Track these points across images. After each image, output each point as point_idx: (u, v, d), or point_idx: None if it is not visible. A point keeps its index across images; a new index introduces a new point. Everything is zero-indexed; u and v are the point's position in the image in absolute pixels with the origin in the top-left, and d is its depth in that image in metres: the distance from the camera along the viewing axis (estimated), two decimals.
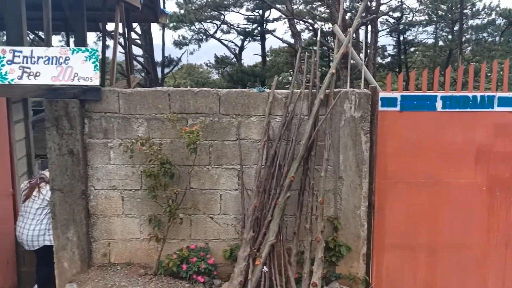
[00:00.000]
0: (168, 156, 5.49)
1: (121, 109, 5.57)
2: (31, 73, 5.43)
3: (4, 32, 18.22)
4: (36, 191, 5.93)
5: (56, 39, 23.16)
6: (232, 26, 28.03)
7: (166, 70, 26.63)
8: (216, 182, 5.71)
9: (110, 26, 15.13)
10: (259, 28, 27.42)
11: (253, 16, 27.57)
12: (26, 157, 8.18)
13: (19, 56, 5.40)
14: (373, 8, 18.72)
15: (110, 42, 22.72)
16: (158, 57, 25.09)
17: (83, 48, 5.47)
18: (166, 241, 5.65)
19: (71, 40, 13.99)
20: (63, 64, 5.43)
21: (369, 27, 21.87)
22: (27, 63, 5.42)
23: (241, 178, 5.66)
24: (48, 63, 5.42)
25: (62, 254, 5.66)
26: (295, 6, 23.83)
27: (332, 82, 5.54)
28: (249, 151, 5.66)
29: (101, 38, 25.13)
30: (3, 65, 5.40)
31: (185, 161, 5.63)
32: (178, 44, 27.40)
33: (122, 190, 5.70)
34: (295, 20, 20.49)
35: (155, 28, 23.55)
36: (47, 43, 5.60)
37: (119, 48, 10.95)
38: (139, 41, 22.13)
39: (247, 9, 27.28)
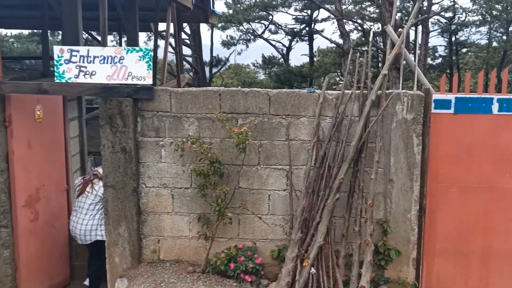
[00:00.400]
0: (217, 155, 5.54)
1: (172, 108, 5.66)
2: (87, 72, 5.57)
3: (59, 32, 18.78)
4: (89, 187, 6.10)
5: (108, 39, 23.78)
6: (280, 26, 28.03)
7: (214, 70, 26.86)
8: (264, 182, 5.73)
9: (160, 26, 15.40)
10: (307, 28, 27.31)
11: (301, 16, 27.50)
12: (79, 154, 8.43)
13: (76, 56, 5.55)
14: (425, 8, 18.37)
15: (160, 42, 23.08)
16: (206, 57, 25.35)
17: (137, 48, 5.58)
18: (214, 240, 5.70)
19: (123, 39, 14.30)
20: (118, 63, 5.56)
21: (420, 27, 21.47)
22: (83, 62, 5.56)
23: (290, 179, 5.66)
24: (104, 63, 5.56)
25: (114, 249, 5.79)
26: (344, 6, 23.64)
27: (384, 83, 5.47)
28: (298, 152, 5.65)
29: (151, 38, 25.55)
30: (61, 64, 5.56)
31: (235, 160, 5.67)
32: (226, 44, 27.61)
33: (172, 188, 5.79)
34: (344, 20, 20.32)
35: (203, 28, 23.78)
36: (103, 43, 5.74)
37: (169, 48, 11.12)
38: (188, 41, 22.41)
39: (296, 9, 27.24)
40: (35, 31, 24.07)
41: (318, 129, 5.51)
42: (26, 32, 25.97)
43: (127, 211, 5.74)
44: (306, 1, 25.71)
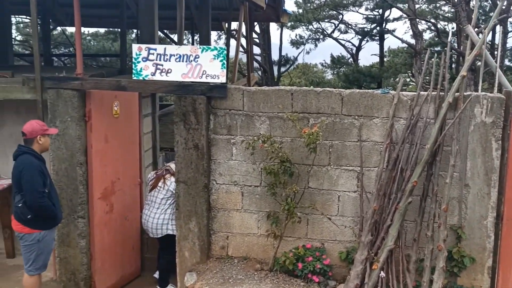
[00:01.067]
0: (288, 155, 5.54)
1: (245, 107, 5.71)
2: (163, 70, 5.72)
3: (133, 30, 19.37)
4: (161, 182, 6.25)
5: (176, 38, 24.27)
6: (350, 26, 27.69)
7: (282, 69, 26.89)
8: (335, 183, 5.68)
9: (232, 25, 15.58)
10: (378, 28, 26.85)
11: (372, 16, 27.05)
12: (151, 150, 8.65)
13: (153, 54, 5.71)
14: (504, 7, 17.62)
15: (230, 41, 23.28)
16: (274, 56, 25.41)
17: (212, 47, 5.67)
18: (283, 239, 5.71)
19: (194, 38, 14.53)
20: (193, 62, 5.67)
21: (498, 27, 20.61)
22: (160, 60, 5.71)
23: (361, 180, 5.58)
24: (179, 61, 5.68)
25: (184, 244, 5.92)
26: (417, 6, 23.06)
27: (462, 85, 5.29)
28: (370, 153, 5.57)
29: (221, 36, 25.88)
30: (138, 62, 5.74)
31: (305, 160, 5.65)
32: (295, 43, 27.55)
33: (242, 185, 5.84)
34: (417, 20, 19.81)
35: (273, 27, 23.85)
36: (179, 42, 5.86)
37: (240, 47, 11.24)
38: (257, 40, 22.54)
39: (367, 9, 26.81)
40: (110, 29, 24.89)
41: (391, 131, 5.40)
42: (102, 30, 26.89)
43: (197, 207, 5.85)
44: (378, 0, 25.26)
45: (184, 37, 24.77)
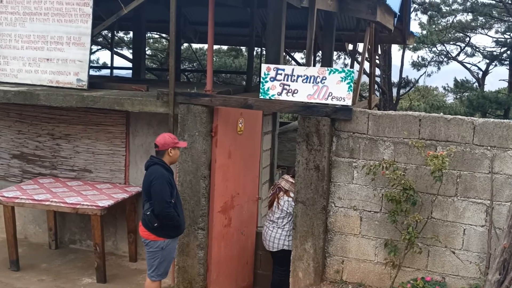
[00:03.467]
0: (411, 182, 5.36)
1: (369, 131, 5.63)
2: (290, 90, 5.80)
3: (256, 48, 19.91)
4: (276, 201, 6.33)
5: (298, 56, 24.48)
6: (477, 49, 26.41)
7: (402, 91, 26.20)
8: (460, 215, 5.41)
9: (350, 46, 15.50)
10: (508, 52, 25.36)
11: (503, 39, 25.60)
12: (269, 167, 8.79)
13: (281, 74, 5.81)
14: None
15: (349, 61, 23.16)
16: (394, 78, 24.83)
17: (340, 69, 5.66)
18: (401, 269, 5.53)
19: (315, 58, 14.58)
20: (319, 83, 5.69)
21: None
22: (287, 80, 5.80)
23: (490, 215, 5.27)
24: (306, 82, 5.73)
25: (298, 264, 5.92)
26: None
27: None
28: (502, 186, 5.24)
29: (340, 56, 25.80)
30: (266, 82, 5.87)
31: (429, 189, 5.45)
32: (417, 65, 26.72)
33: (362, 210, 5.74)
34: None
35: (394, 48, 23.32)
36: (307, 63, 5.93)
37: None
38: (377, 61, 22.20)
39: (497, 31, 25.43)
40: (232, 46, 25.72)
41: None
42: (225, 47, 27.84)
43: (314, 228, 5.83)
44: (510, 23, 23.89)
45: (302, 56, 25.00)
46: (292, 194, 6.21)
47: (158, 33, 21.26)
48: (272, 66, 5.88)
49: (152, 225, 5.48)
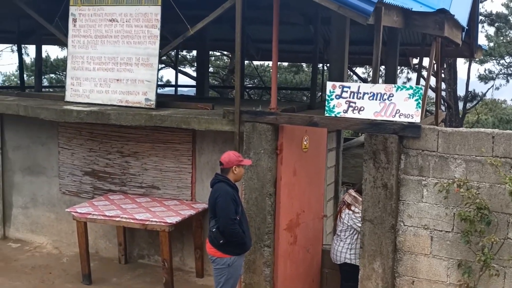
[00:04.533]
0: (486, 202, 5.18)
1: (439, 148, 5.48)
2: (356, 108, 5.75)
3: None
4: (339, 215, 6.28)
5: (359, 71, 24.24)
6: None
7: (468, 105, 25.44)
8: None
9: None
10: None
11: None
12: (334, 184, 8.70)
13: (347, 91, 5.78)
14: None
15: (413, 75, 22.72)
16: (460, 91, 24.15)
17: (408, 86, 5.58)
18: None
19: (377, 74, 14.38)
20: (386, 100, 5.61)
21: None
22: (353, 98, 5.76)
23: None
24: (373, 99, 5.67)
25: (367, 283, 5.80)
26: None
27: None
28: None
29: (403, 70, 25.36)
30: (332, 99, 5.84)
31: (505, 208, 5.23)
32: (484, 78, 25.88)
33: (432, 229, 5.59)
34: None
35: (459, 61, 22.70)
36: (374, 80, 5.86)
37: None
38: (443, 75, 21.66)
39: None
40: (293, 63, 25.78)
41: None
42: (285, 63, 27.95)
43: (383, 247, 5.71)
44: None
45: (364, 71, 24.77)
46: (353, 208, 6.14)
47: (219, 51, 21.58)
48: (337, 83, 5.85)
49: (218, 242, 5.52)
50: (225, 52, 22.34)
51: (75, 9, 7.59)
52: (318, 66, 18.35)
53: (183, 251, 7.68)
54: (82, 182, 8.09)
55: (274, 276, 6.43)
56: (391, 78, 10.94)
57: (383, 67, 11.85)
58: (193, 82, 20.86)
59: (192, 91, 18.86)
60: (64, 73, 21.99)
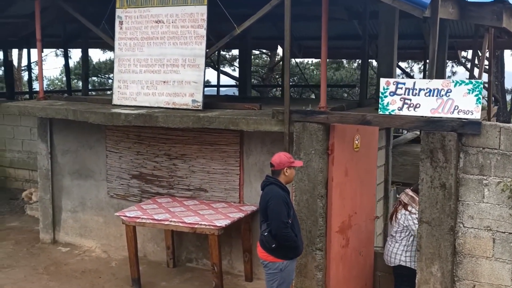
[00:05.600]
0: None
1: (501, 145, 5.22)
2: (411, 105, 5.53)
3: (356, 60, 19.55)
4: (394, 215, 6.05)
5: (402, 65, 23.72)
6: None
7: None
8: None
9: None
10: None
11: None
12: (383, 183, 8.45)
13: (401, 88, 5.56)
14: None
15: (458, 69, 22.10)
16: (507, 84, 23.37)
17: (466, 81, 5.33)
18: None
19: (425, 67, 14.00)
20: (444, 96, 5.38)
21: None
22: (408, 94, 5.54)
23: None
24: (429, 95, 5.44)
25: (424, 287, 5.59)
26: None
27: None
28: None
29: (447, 64, 24.69)
30: (385, 96, 5.64)
31: None
32: None
33: (495, 231, 5.33)
34: None
35: (506, 53, 21.97)
36: (430, 76, 5.62)
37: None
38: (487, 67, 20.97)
39: None
40: (333, 59, 25.44)
41: None
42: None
43: (441, 250, 5.49)
44: None
45: (407, 66, 24.23)
46: (410, 208, 5.91)
47: (259, 49, 21.47)
48: (391, 80, 5.64)
49: (270, 246, 5.39)
50: (264, 50, 22.21)
51: (121, 12, 7.57)
52: (358, 61, 17.93)
53: (231, 254, 7.58)
54: (129, 185, 8.08)
55: (326, 280, 6.26)
56: (440, 73, 10.58)
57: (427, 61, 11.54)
58: (232, 82, 20.83)
59: (230, 91, 18.80)
60: (106, 75, 22.38)
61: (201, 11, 7.09)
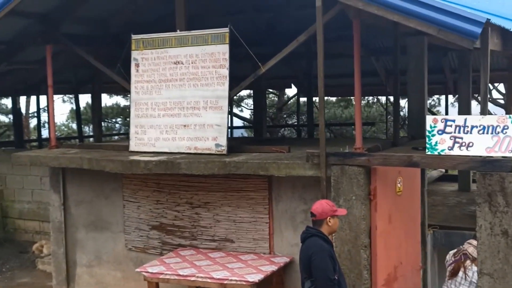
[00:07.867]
0: None
1: None
2: (463, 144, 5.05)
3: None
4: (462, 271, 5.41)
5: (427, 101, 23.26)
6: None
7: None
8: None
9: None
10: None
11: None
12: (420, 226, 7.89)
13: (451, 126, 5.10)
14: None
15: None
16: None
17: None
18: None
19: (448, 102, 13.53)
20: (500, 133, 4.90)
21: None
22: (459, 132, 5.07)
23: None
24: (483, 133, 4.98)
25: None
26: None
27: None
28: None
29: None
30: (433, 135, 5.17)
31: None
32: None
33: None
34: None
35: None
36: (483, 111, 5.17)
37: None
38: None
39: None
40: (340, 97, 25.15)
41: None
42: (333, 98, 27.36)
43: None
44: None
45: (430, 100, 23.68)
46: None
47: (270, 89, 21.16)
48: (439, 117, 5.18)
49: None
50: (270, 90, 21.93)
51: (138, 54, 7.19)
52: (382, 98, 17.47)
53: None
54: (149, 237, 7.53)
55: None
56: (465, 108, 10.18)
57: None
58: (240, 123, 20.43)
59: (238, 132, 18.31)
60: (113, 120, 22.07)
61: (223, 50, 6.71)
